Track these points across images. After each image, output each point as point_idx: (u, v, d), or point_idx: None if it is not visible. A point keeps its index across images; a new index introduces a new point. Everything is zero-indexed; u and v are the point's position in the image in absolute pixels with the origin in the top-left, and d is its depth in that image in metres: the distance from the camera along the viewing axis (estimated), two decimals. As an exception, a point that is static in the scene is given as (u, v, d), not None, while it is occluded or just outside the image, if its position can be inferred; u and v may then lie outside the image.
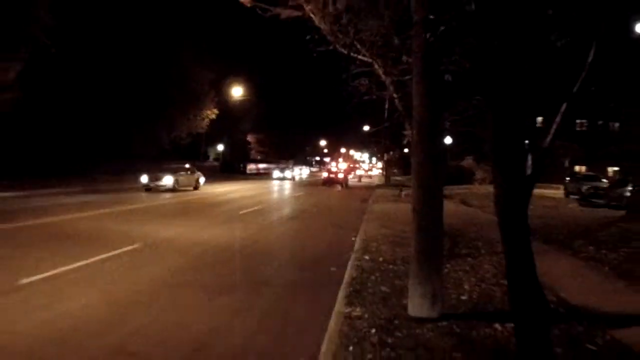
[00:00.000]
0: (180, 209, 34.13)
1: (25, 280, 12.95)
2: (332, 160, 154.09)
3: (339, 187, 76.71)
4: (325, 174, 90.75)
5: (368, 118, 79.35)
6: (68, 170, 54.44)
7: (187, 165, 56.08)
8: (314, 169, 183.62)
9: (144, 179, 48.84)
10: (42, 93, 46.98)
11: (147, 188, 48.12)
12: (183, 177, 52.13)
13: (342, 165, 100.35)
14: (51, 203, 32.18)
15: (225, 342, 9.47)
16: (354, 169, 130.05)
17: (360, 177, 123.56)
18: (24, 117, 45.81)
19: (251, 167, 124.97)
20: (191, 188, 52.91)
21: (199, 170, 70.61)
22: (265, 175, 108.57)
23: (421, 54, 9.83)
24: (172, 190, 48.48)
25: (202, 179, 56.75)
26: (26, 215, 25.54)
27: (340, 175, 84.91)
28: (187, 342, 9.41)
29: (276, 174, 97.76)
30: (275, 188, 65.67)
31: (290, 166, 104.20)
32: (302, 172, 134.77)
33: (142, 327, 10.05)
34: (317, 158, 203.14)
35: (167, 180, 48.77)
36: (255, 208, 36.11)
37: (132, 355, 8.65)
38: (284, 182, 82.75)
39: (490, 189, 11.68)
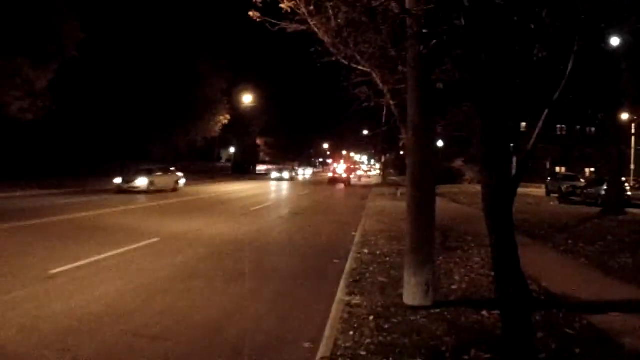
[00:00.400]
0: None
1: (57, 270, 13.02)
2: (334, 161, 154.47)
3: (341, 186, 78.17)
4: (330, 175, 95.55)
5: (367, 123, 79.59)
6: (87, 172, 54.22)
7: (169, 167, 51.32)
8: (317, 170, 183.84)
9: (118, 180, 43.56)
10: (70, 101, 47.01)
11: (120, 190, 42.36)
12: (159, 179, 46.36)
13: (342, 166, 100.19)
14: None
15: (237, 325, 9.54)
16: (355, 169, 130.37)
17: (360, 177, 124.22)
18: (53, 124, 45.86)
19: (260, 168, 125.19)
20: (169, 190, 46.74)
21: (210, 171, 70.13)
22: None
23: (415, 65, 9.85)
24: (146, 192, 42.82)
25: (182, 181, 51.19)
26: (55, 211, 25.65)
27: (344, 176, 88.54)
28: (204, 324, 9.52)
29: (274, 174, 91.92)
30: (282, 187, 65.60)
31: (293, 167, 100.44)
32: (305, 172, 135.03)
33: (164, 311, 10.16)
34: (321, 159, 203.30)
35: (141, 181, 43.54)
36: (264, 205, 36.16)
37: (155, 335, 8.73)
38: (290, 182, 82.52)
39: (478, 188, 11.70)
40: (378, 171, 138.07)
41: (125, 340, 8.41)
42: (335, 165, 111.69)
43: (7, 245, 16.49)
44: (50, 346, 8.01)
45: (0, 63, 35.62)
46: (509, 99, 7.35)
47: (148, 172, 45.86)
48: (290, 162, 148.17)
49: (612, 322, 9.23)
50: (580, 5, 7.24)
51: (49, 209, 27.17)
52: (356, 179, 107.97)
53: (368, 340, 8.01)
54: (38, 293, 11.05)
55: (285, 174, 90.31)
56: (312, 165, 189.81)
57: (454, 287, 11.71)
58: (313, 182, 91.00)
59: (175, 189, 48.08)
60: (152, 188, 43.81)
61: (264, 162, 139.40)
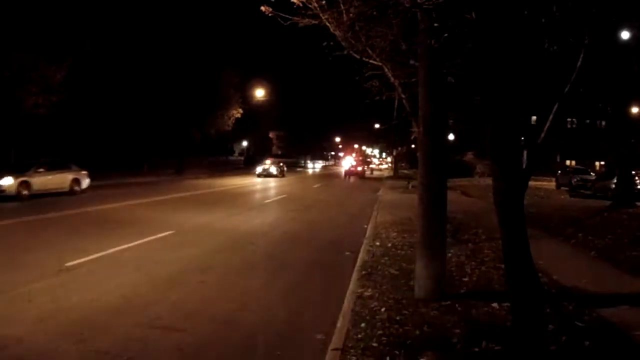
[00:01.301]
0: None
1: (73, 262, 13.06)
2: (345, 155, 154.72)
3: (354, 179, 79.89)
4: (345, 168, 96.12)
5: (378, 116, 79.53)
6: (104, 167, 53.81)
7: (65, 161, 35.11)
8: (329, 163, 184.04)
9: None
10: (85, 96, 47.03)
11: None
12: (41, 178, 31.51)
13: (350, 160, 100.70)
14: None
15: (251, 317, 9.58)
16: (368, 163, 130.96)
17: (372, 170, 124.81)
18: (68, 119, 45.93)
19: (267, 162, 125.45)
20: (62, 191, 32.71)
21: (213, 165, 68.82)
22: (287, 170, 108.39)
23: (426, 59, 9.84)
24: (16, 197, 29.03)
25: (85, 181, 35.52)
26: (64, 205, 25.77)
27: (359, 169, 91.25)
28: (218, 315, 9.57)
29: (259, 169, 72.81)
30: (294, 181, 65.54)
31: (279, 162, 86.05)
32: (315, 165, 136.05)
33: (178, 303, 10.24)
34: (332, 153, 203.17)
35: (5, 181, 29.26)
36: (277, 198, 36.19)
37: (170, 327, 8.77)
38: (302, 175, 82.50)
39: (489, 181, 11.67)
40: (390, 164, 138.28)
41: (140, 331, 8.44)
42: (347, 158, 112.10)
43: (16, 240, 16.58)
44: (66, 337, 8.05)
45: (16, 58, 35.72)
46: (520, 92, 7.34)
47: (24, 168, 31.53)
48: (302, 155, 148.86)
49: (622, 315, 9.20)
50: (591, 0, 7.22)
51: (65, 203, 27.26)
52: (369, 172, 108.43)
53: (380, 332, 8.02)
54: (54, 285, 11.10)
55: (273, 169, 73.18)
56: (324, 158, 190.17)
57: (465, 279, 11.69)
58: (325, 175, 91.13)
59: (73, 192, 33.83)
60: (24, 192, 30.00)
61: (276, 156, 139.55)
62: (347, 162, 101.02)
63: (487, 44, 7.11)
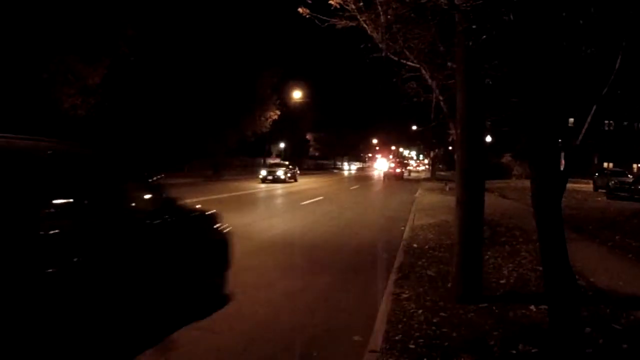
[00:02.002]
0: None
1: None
2: (382, 157, 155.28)
3: (392, 180, 79.77)
4: (385, 170, 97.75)
5: (415, 118, 79.59)
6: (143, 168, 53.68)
7: None
8: (366, 165, 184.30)
9: None
10: (122, 98, 47.34)
11: None
12: None
13: (383, 161, 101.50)
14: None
15: (287, 319, 9.62)
16: (405, 165, 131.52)
17: (410, 171, 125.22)
18: (105, 120, 46.28)
19: (309, 163, 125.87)
20: None
21: (250, 166, 67.57)
22: (323, 171, 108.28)
23: (463, 61, 9.83)
24: None
25: None
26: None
27: (398, 170, 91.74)
28: (253, 317, 9.58)
29: (263, 173, 61.95)
30: (332, 182, 65.60)
31: (289, 164, 73.88)
32: (351, 167, 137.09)
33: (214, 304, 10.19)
34: (370, 155, 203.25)
35: None
36: (314, 200, 36.22)
37: (206, 328, 8.79)
38: (340, 176, 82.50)
39: (526, 183, 11.64)
40: (427, 166, 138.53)
41: (180, 332, 8.49)
42: (380, 160, 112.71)
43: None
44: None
45: (53, 60, 36.07)
46: (558, 94, 7.32)
47: None
48: (339, 157, 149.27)
49: (661, 318, 9.14)
50: (629, 1, 7.17)
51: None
52: (406, 174, 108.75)
53: (417, 334, 8.03)
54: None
55: (281, 173, 61.04)
56: (361, 160, 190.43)
57: (502, 281, 11.65)
58: (361, 177, 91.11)
59: None
60: None
61: (313, 157, 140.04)
62: (380, 163, 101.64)
63: (525, 46, 7.10)
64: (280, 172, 60.84)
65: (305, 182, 60.81)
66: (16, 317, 5.53)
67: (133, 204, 8.46)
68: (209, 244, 10.25)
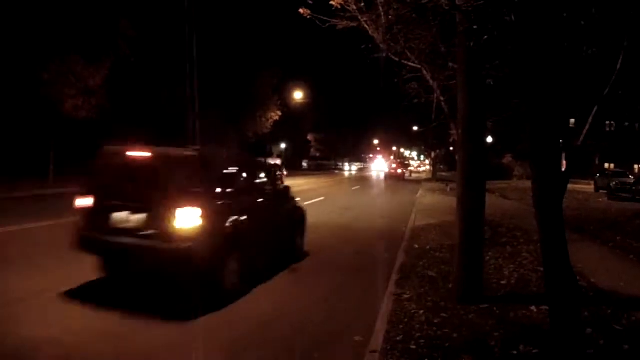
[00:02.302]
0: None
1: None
2: (381, 157, 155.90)
3: (393, 180, 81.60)
4: (386, 170, 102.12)
5: (417, 119, 79.56)
6: None
7: None
8: (366, 166, 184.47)
9: None
10: (123, 99, 47.24)
11: None
12: None
13: (380, 162, 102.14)
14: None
15: (288, 318, 9.69)
16: (407, 165, 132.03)
17: (411, 172, 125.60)
18: (107, 121, 46.17)
19: (311, 163, 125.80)
20: None
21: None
22: (324, 172, 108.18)
23: (465, 61, 9.83)
24: None
25: None
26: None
27: (399, 171, 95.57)
28: (255, 317, 9.64)
29: None
30: (334, 184, 65.55)
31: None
32: (352, 168, 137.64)
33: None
34: (370, 155, 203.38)
35: None
36: (316, 200, 36.14)
37: (209, 329, 8.84)
38: (340, 176, 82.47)
39: (527, 184, 11.66)
40: (428, 167, 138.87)
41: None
42: (377, 160, 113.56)
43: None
44: (103, 339, 8.15)
45: (54, 61, 36.05)
46: (559, 95, 7.32)
47: None
48: (340, 158, 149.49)
49: (662, 319, 9.14)
50: (630, 1, 7.17)
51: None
52: (407, 174, 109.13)
53: (418, 334, 8.05)
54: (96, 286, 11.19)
55: None
56: (362, 160, 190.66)
57: (503, 282, 11.66)
58: (362, 178, 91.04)
59: None
60: None
61: (315, 158, 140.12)
62: (378, 164, 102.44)
63: (526, 46, 7.10)
64: None
65: (305, 183, 60.56)
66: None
67: (269, 186, 14.32)
68: (296, 213, 16.14)
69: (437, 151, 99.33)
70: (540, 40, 6.93)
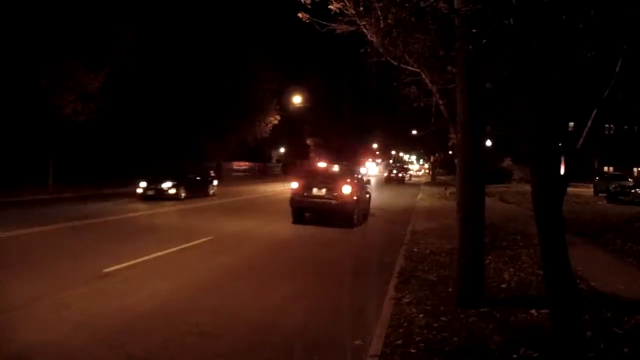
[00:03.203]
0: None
1: (112, 268, 13.15)
2: (383, 161, 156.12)
3: (394, 184, 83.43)
4: (386, 174, 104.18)
5: (416, 122, 79.55)
6: (142, 172, 51.14)
7: None
8: (365, 169, 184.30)
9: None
10: (122, 103, 47.18)
11: None
12: None
13: (371, 166, 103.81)
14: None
15: (288, 323, 9.66)
16: (406, 169, 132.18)
17: (410, 176, 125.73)
18: (106, 126, 46.09)
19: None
20: None
21: (251, 171, 68.46)
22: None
23: (464, 65, 9.84)
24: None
25: None
26: (109, 212, 26.01)
27: (399, 175, 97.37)
28: (255, 321, 9.62)
29: (142, 185, 34.91)
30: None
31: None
32: None
33: (216, 309, 10.26)
34: (370, 159, 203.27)
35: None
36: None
37: (207, 333, 8.83)
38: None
39: (527, 187, 11.67)
40: (427, 170, 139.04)
41: (177, 337, 8.49)
42: (367, 164, 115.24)
43: (64, 245, 16.77)
44: (103, 343, 8.13)
45: (54, 66, 36.06)
46: (558, 98, 7.31)
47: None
48: (339, 162, 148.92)
49: (663, 322, 9.13)
50: (629, 5, 7.17)
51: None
52: (407, 178, 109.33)
53: (418, 338, 8.04)
54: (92, 291, 11.19)
55: (167, 185, 35.27)
56: (361, 165, 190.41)
57: (503, 285, 11.65)
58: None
59: None
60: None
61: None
62: (370, 168, 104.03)
63: (525, 50, 7.10)
64: (166, 185, 35.51)
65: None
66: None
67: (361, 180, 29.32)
68: (369, 195, 29.77)
69: (437, 155, 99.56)
70: (539, 43, 6.93)
